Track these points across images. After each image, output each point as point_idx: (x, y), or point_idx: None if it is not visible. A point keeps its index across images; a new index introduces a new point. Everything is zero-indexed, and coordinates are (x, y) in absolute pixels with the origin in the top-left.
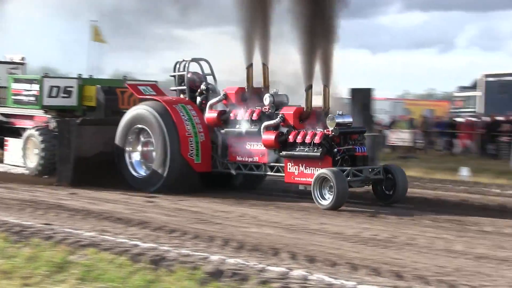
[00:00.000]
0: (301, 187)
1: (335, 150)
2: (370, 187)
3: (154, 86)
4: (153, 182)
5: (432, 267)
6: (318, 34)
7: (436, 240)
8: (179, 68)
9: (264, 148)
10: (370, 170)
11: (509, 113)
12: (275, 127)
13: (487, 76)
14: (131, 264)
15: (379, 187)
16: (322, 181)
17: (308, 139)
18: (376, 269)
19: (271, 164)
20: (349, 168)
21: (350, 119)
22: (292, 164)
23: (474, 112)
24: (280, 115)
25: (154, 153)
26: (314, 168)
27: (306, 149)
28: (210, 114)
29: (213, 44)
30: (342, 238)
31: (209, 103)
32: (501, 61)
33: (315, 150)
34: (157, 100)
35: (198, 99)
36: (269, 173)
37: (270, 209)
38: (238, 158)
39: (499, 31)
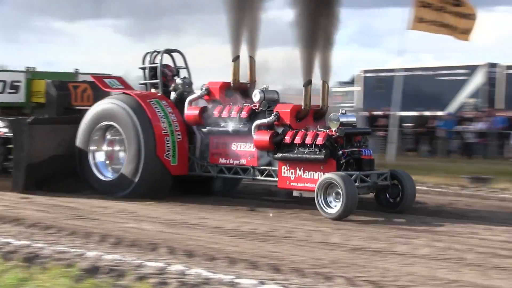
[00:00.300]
0: (295, 193)
1: (340, 152)
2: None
3: (120, 79)
4: (123, 186)
5: (309, 260)
6: (320, 22)
7: (313, 233)
8: (150, 60)
9: (255, 149)
10: (377, 175)
11: (385, 108)
12: (269, 127)
13: (366, 71)
14: (2, 263)
15: (382, 195)
16: (327, 187)
17: (308, 140)
18: (254, 262)
19: (262, 167)
20: (356, 172)
21: (354, 119)
22: (288, 167)
23: (352, 107)
24: (274, 113)
25: (123, 154)
26: (314, 173)
27: (306, 151)
28: (190, 111)
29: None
30: (221, 232)
31: (188, 98)
32: (379, 57)
33: (317, 152)
34: (128, 94)
35: (173, 94)
36: (259, 177)
37: (149, 204)
38: (222, 160)
39: (377, 28)
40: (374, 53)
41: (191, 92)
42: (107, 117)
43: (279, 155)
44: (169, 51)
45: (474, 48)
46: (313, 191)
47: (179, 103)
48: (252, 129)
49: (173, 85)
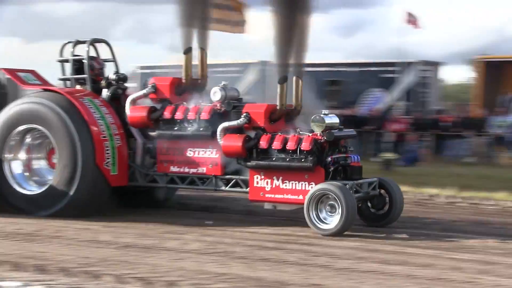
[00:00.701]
0: (267, 206)
1: (329, 159)
2: None
3: (35, 73)
4: (52, 202)
5: (77, 259)
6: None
7: (82, 232)
8: (73, 51)
9: (218, 156)
10: (368, 184)
11: None
12: (238, 130)
13: (142, 68)
14: None
15: (364, 205)
16: (319, 199)
17: (291, 145)
18: (19, 263)
19: (227, 177)
20: (350, 182)
21: (337, 120)
22: (262, 177)
23: None
24: (244, 115)
25: (45, 162)
26: (297, 183)
27: (289, 158)
28: (136, 112)
29: None
30: None
31: (131, 97)
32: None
33: (303, 159)
34: (56, 92)
35: (105, 91)
36: (223, 188)
37: None
38: (173, 169)
39: (153, 24)
40: (151, 49)
41: (126, 89)
42: (29, 120)
43: (253, 162)
44: (95, 41)
45: (247, 46)
46: (294, 203)
47: (112, 102)
48: (218, 133)
49: (103, 80)
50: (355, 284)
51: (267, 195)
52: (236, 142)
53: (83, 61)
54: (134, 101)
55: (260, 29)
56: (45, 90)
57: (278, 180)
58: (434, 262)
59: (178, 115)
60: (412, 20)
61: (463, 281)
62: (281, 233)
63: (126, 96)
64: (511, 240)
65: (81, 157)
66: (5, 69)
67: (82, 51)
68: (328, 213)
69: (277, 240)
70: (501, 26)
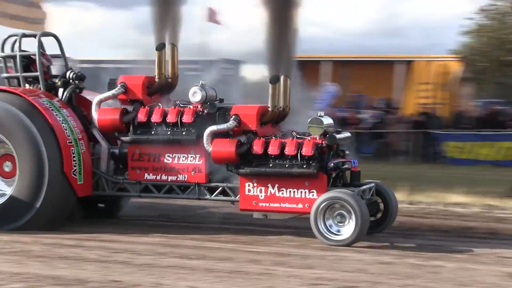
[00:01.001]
0: (257, 215)
1: (331, 164)
2: None
3: None
4: (15, 216)
5: None
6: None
7: None
8: (18, 46)
9: (201, 162)
10: (368, 190)
11: None
12: (226, 134)
13: (82, 62)
14: None
15: None
16: (326, 209)
17: (290, 151)
18: None
19: (213, 184)
20: (358, 189)
21: (331, 121)
22: (255, 184)
23: None
24: (233, 117)
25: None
26: (296, 190)
27: (288, 164)
28: (106, 115)
29: None
30: None
31: (98, 98)
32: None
33: (305, 165)
34: (9, 92)
35: (62, 91)
36: (207, 197)
37: None
38: (148, 176)
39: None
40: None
41: (83, 88)
42: None
43: (247, 169)
44: (44, 35)
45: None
46: (292, 212)
47: (68, 103)
48: (204, 138)
49: (58, 79)
50: (156, 279)
51: (260, 204)
52: (228, 148)
53: (32, 56)
54: (100, 103)
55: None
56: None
57: (273, 188)
58: (233, 255)
59: (155, 118)
60: (213, 16)
61: (260, 273)
62: (81, 230)
63: (81, 97)
64: (305, 232)
65: (48, 165)
66: None
67: (28, 46)
68: (337, 224)
69: (77, 238)
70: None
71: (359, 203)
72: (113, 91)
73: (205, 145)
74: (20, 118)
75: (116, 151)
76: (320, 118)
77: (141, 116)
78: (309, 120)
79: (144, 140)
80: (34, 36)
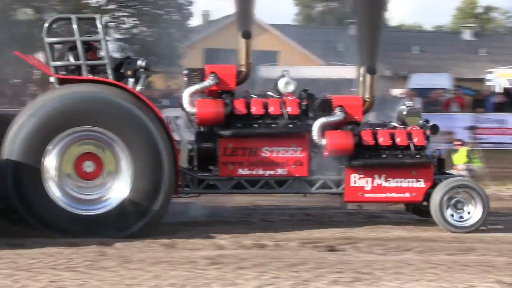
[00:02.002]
0: (351, 206)
1: (435, 153)
2: None
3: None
4: (128, 221)
5: None
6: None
7: None
8: (77, 30)
9: (303, 155)
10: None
11: None
12: (337, 126)
13: None
14: None
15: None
16: (449, 198)
17: (402, 141)
18: None
19: (313, 177)
20: (457, 176)
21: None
22: (362, 175)
23: None
24: (339, 108)
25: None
26: (403, 180)
27: (400, 154)
28: (208, 108)
29: None
30: None
31: (189, 90)
32: None
33: (417, 155)
34: (110, 84)
35: (131, 81)
36: (308, 190)
37: None
38: (242, 171)
39: None
40: None
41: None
42: (83, 121)
43: (360, 161)
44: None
45: None
46: (399, 201)
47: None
48: (315, 130)
49: (128, 71)
50: None
51: (366, 195)
52: (345, 140)
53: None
54: (193, 95)
55: None
56: (85, 81)
57: (380, 178)
58: None
59: (257, 110)
60: None
61: None
62: None
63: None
64: None
65: (166, 164)
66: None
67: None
68: (455, 211)
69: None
70: None
71: (482, 189)
72: (205, 83)
73: (315, 137)
74: (134, 113)
75: (206, 146)
76: (417, 108)
77: (240, 108)
78: (407, 110)
79: (248, 133)
80: (93, 19)
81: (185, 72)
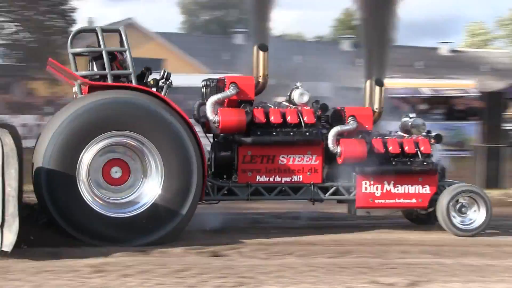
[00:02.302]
0: (360, 212)
1: (439, 161)
2: None
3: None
4: (157, 226)
5: None
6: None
7: None
8: (102, 41)
9: (318, 162)
10: None
11: None
12: (350, 135)
13: None
14: None
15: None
16: (455, 203)
17: (410, 149)
18: None
19: (327, 184)
20: (461, 182)
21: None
22: (372, 182)
23: None
24: (351, 118)
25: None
26: (410, 186)
27: (408, 161)
28: (232, 116)
29: None
30: None
31: (213, 98)
32: None
33: (425, 162)
34: (145, 91)
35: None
36: (321, 197)
37: None
38: (260, 179)
39: None
40: None
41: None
42: (121, 125)
43: (372, 168)
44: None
45: None
46: (407, 207)
47: None
48: (330, 138)
49: (152, 78)
50: None
51: (376, 201)
52: (360, 148)
53: (116, 53)
54: (215, 104)
55: None
56: (119, 87)
57: (389, 185)
58: None
59: (275, 119)
60: None
61: None
62: None
63: None
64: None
65: (197, 170)
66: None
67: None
68: (460, 215)
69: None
70: None
71: (485, 194)
72: (227, 92)
73: (330, 146)
74: (166, 119)
75: (225, 154)
76: (421, 119)
77: (260, 117)
78: (412, 122)
79: (267, 141)
80: (116, 30)
81: (204, 82)
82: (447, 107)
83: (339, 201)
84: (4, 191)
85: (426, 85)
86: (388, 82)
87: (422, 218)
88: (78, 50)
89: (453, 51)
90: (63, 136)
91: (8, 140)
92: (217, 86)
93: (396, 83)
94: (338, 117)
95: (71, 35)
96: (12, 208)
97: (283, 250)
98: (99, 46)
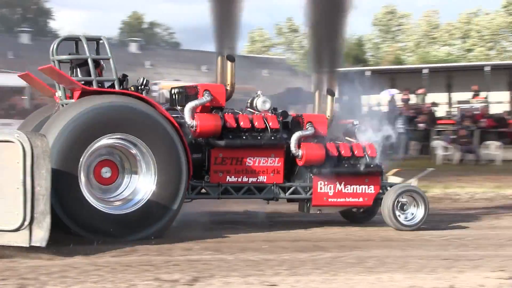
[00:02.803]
0: (313, 211)
1: (382, 163)
2: None
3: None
4: (149, 222)
5: None
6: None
7: None
8: (87, 49)
9: (280, 164)
10: None
11: None
12: (308, 139)
13: None
14: None
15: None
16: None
17: (359, 153)
18: None
19: (287, 184)
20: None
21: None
22: (326, 182)
23: None
24: (309, 124)
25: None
26: (358, 186)
27: (358, 164)
28: (209, 121)
29: None
30: None
31: (191, 105)
32: None
33: (371, 165)
34: (134, 96)
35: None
36: (282, 196)
37: None
38: (230, 179)
39: None
40: None
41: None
42: (118, 128)
43: (327, 169)
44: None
45: None
46: (355, 205)
47: None
48: (293, 142)
49: (130, 86)
50: None
51: (330, 200)
52: (320, 151)
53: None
54: (193, 110)
55: None
56: (113, 93)
57: (340, 185)
58: None
59: (244, 124)
60: None
61: None
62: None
63: None
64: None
65: (186, 170)
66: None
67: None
68: (401, 211)
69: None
70: None
71: (424, 192)
72: (202, 99)
73: (293, 149)
74: (157, 120)
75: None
76: (366, 126)
77: (231, 122)
78: (357, 128)
79: (238, 144)
80: (99, 39)
81: (176, 90)
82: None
83: (290, 200)
84: (34, 191)
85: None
86: (173, 85)
87: (358, 217)
88: (63, 57)
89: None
90: (65, 139)
91: (40, 143)
92: (187, 93)
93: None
94: (297, 123)
95: (56, 43)
96: (42, 206)
97: (66, 250)
98: (77, 53)
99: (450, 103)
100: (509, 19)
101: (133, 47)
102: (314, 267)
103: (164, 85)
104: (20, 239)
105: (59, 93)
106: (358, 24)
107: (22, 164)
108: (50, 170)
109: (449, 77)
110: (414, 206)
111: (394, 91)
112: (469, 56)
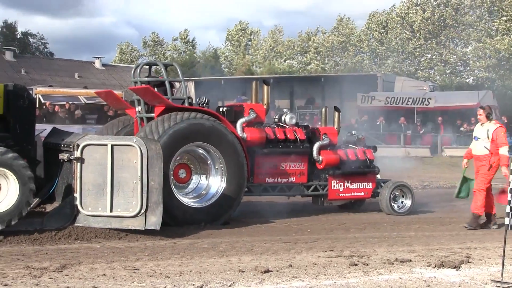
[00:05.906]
0: (326, 204)
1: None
2: None
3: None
4: (222, 212)
5: None
6: None
7: None
8: (164, 73)
9: (305, 167)
10: None
11: None
12: (325, 147)
13: None
14: None
15: None
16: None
17: (361, 157)
18: None
19: (310, 183)
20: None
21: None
22: (337, 181)
23: None
24: (325, 135)
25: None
26: (360, 183)
27: (361, 166)
28: (257, 134)
29: None
30: None
31: (241, 121)
32: None
33: (372, 166)
34: (210, 114)
35: None
36: (306, 192)
37: None
38: (268, 180)
39: None
40: None
41: None
42: (202, 137)
43: (341, 171)
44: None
45: None
46: (359, 198)
47: None
48: (315, 150)
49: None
50: None
51: (340, 195)
52: (336, 156)
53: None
54: (243, 124)
55: None
56: (194, 110)
57: (348, 182)
58: None
59: (280, 136)
60: None
61: None
62: None
63: None
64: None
65: (246, 169)
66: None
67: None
68: (394, 201)
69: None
70: None
71: (411, 186)
72: (250, 116)
73: (315, 155)
74: (226, 132)
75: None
76: (362, 135)
77: (271, 134)
78: (356, 137)
79: (278, 152)
80: (171, 65)
81: (225, 108)
82: (100, 113)
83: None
84: (149, 185)
85: (83, 94)
86: (49, 90)
87: (347, 205)
88: (145, 79)
89: (105, 65)
90: (165, 143)
91: (154, 146)
92: (235, 111)
93: (57, 91)
94: (314, 135)
95: (139, 67)
96: (155, 197)
97: None
98: (150, 75)
99: (291, 108)
100: (341, 38)
101: (8, 55)
102: (174, 253)
103: (39, 91)
104: (137, 223)
105: (138, 108)
106: (213, 39)
107: (140, 163)
108: (162, 168)
109: (291, 86)
110: (403, 197)
111: (244, 97)
112: (308, 69)
